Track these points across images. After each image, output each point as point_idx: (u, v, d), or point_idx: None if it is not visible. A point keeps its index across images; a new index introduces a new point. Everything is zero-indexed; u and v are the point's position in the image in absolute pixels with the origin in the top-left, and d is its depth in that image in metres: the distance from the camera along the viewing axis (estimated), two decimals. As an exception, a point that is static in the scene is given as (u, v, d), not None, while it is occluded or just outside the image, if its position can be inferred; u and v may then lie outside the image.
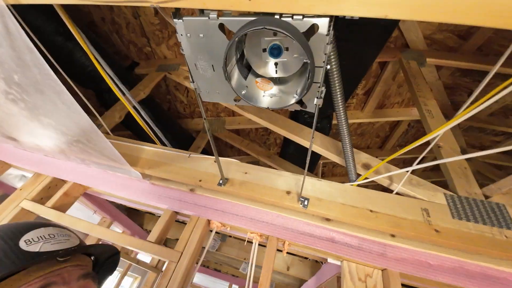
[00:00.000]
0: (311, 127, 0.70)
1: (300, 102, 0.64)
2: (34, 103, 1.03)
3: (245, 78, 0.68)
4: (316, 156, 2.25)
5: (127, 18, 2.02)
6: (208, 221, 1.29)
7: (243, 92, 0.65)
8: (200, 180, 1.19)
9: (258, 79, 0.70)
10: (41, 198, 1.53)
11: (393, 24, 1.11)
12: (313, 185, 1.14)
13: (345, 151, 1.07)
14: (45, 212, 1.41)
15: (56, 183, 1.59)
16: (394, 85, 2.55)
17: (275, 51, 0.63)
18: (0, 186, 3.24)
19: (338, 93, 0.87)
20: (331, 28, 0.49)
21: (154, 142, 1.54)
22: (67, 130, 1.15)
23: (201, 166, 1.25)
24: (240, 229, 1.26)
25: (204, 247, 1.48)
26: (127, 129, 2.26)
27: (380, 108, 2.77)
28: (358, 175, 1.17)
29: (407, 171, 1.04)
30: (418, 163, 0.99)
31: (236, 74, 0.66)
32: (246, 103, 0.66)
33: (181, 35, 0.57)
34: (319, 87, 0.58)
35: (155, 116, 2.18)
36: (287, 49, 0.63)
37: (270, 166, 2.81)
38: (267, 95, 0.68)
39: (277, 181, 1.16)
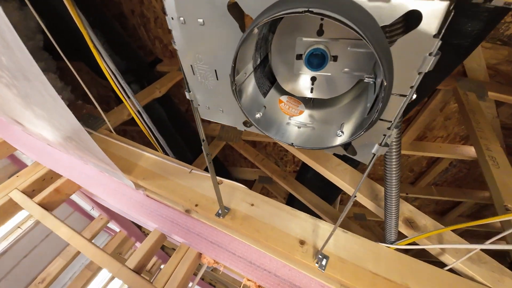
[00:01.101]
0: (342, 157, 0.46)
1: (346, 144, 0.40)
2: (24, 90, 0.90)
3: (265, 94, 0.46)
4: (338, 190, 1.96)
5: (156, 12, 1.93)
6: (200, 254, 1.07)
7: (258, 115, 0.44)
8: (196, 205, 0.98)
9: (284, 98, 0.48)
10: (33, 190, 1.42)
11: (470, 46, 0.85)
12: (336, 238, 0.88)
13: (387, 201, 0.80)
14: (31, 208, 1.29)
15: (51, 176, 1.48)
16: (440, 116, 2.21)
17: (316, 60, 0.41)
18: (15, 162, 3.32)
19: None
20: (446, 24, 0.26)
21: (156, 149, 1.37)
22: (59, 125, 1.02)
23: (202, 187, 1.05)
24: (236, 272, 1.02)
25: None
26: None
27: (419, 140, 2.42)
28: (399, 235, 0.89)
29: (474, 248, 0.75)
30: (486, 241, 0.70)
31: (251, 87, 0.44)
32: (260, 132, 0.44)
33: (172, 18, 0.38)
34: (388, 128, 0.34)
35: (170, 115, 2.04)
36: (334, 58, 0.40)
37: (283, 188, 2.56)
38: (293, 124, 0.45)
39: (290, 223, 0.92)
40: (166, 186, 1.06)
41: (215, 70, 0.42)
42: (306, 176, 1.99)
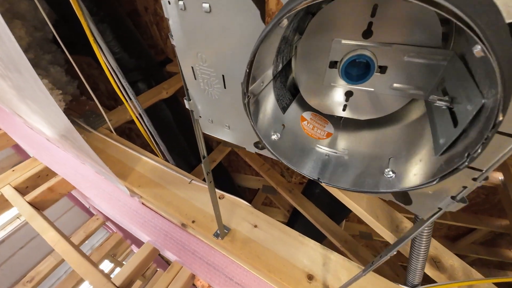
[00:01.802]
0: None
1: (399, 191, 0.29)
2: (17, 82, 0.83)
3: (284, 109, 0.36)
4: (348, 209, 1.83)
5: (169, 11, 1.88)
6: (193, 275, 0.97)
7: (275, 136, 0.34)
8: (193, 221, 0.88)
9: (307, 115, 0.38)
10: (26, 187, 1.35)
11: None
12: (349, 273, 0.76)
13: (416, 240, 0.68)
14: (22, 206, 1.22)
15: (47, 173, 1.41)
16: None
17: (357, 70, 0.31)
18: (19, 152, 3.31)
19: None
20: None
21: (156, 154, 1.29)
22: (54, 122, 0.94)
23: (201, 200, 0.95)
24: (232, 300, 0.91)
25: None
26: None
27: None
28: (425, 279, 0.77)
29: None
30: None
31: (268, 101, 0.35)
32: (275, 157, 0.34)
33: (168, 2, 0.28)
34: (475, 179, 0.23)
35: (176, 117, 1.97)
36: (382, 69, 0.30)
37: (287, 200, 2.44)
38: (319, 150, 0.35)
39: (297, 252, 0.80)
40: (163, 196, 0.97)
41: (223, 76, 0.32)
42: (315, 190, 1.86)
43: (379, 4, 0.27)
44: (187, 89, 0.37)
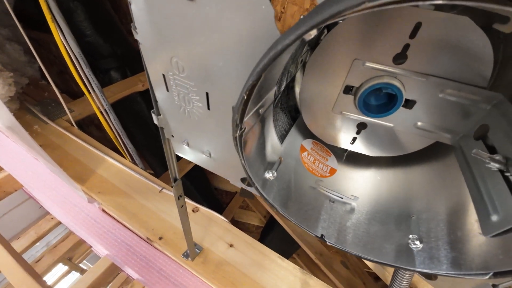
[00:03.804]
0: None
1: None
2: None
3: (282, 137, 0.29)
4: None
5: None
6: (157, 297, 0.86)
7: (269, 175, 0.26)
8: (160, 238, 0.78)
9: (307, 144, 0.31)
10: (-40, 183, 1.14)
11: None
12: (327, 303, 0.71)
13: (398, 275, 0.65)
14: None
15: (-10, 167, 1.20)
16: None
17: (380, 101, 0.25)
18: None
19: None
20: None
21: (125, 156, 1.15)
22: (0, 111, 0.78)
23: (172, 214, 0.85)
24: (199, 326, 0.82)
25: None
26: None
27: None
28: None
29: None
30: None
31: (265, 129, 0.27)
32: (268, 203, 0.26)
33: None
34: None
35: (150, 111, 1.81)
36: (409, 104, 0.24)
37: (265, 207, 2.39)
38: (323, 192, 0.28)
39: (275, 277, 0.74)
40: (127, 207, 0.85)
41: (207, 94, 0.24)
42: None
43: (424, 22, 0.20)
44: (155, 101, 0.28)
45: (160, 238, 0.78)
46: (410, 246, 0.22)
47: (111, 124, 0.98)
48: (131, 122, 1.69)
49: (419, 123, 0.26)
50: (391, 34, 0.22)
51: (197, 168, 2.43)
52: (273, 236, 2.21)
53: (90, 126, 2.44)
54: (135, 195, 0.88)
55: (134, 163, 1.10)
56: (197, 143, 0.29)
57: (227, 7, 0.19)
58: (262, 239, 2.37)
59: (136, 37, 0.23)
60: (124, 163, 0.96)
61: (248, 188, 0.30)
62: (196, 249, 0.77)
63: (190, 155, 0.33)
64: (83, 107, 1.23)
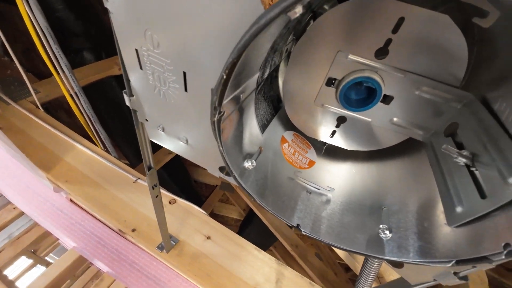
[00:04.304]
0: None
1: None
2: None
3: (264, 127, 0.28)
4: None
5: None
6: (128, 290, 0.83)
7: (247, 164, 0.25)
8: (133, 230, 0.75)
9: (288, 135, 0.31)
10: None
11: None
12: (300, 292, 0.73)
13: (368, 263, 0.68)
14: None
15: None
16: None
17: (360, 96, 0.25)
18: None
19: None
20: None
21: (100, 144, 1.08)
22: None
23: (146, 205, 0.82)
24: (172, 318, 0.81)
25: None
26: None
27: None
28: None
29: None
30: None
31: (245, 116, 0.26)
32: (246, 192, 0.26)
33: None
34: (493, 261, 0.18)
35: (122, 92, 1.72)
36: (387, 99, 0.24)
37: (244, 201, 2.40)
38: (300, 183, 0.28)
39: (252, 268, 0.74)
40: (97, 197, 0.80)
41: (184, 73, 0.22)
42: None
43: (407, 18, 0.21)
44: (127, 80, 0.26)
45: (133, 230, 0.75)
46: (380, 235, 0.23)
47: (81, 108, 0.91)
48: (104, 108, 1.59)
49: (394, 119, 0.26)
50: (375, 27, 0.22)
51: (176, 159, 2.36)
52: (252, 229, 2.23)
53: (58, 111, 2.25)
54: (107, 185, 0.84)
55: (107, 151, 1.03)
56: (173, 129, 0.27)
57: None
58: (240, 232, 2.39)
59: (106, 4, 0.20)
60: (95, 151, 0.90)
61: (227, 178, 0.29)
62: (172, 241, 0.75)
63: (166, 141, 0.31)
64: (50, 89, 1.12)
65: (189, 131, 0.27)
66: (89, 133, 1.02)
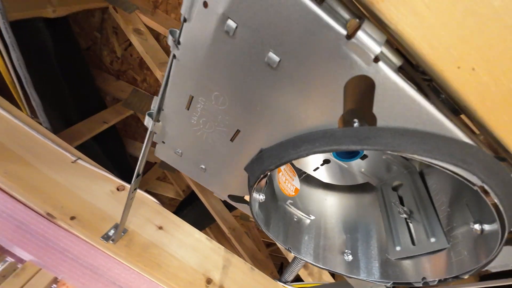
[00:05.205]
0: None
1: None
2: None
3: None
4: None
5: None
6: (55, 279, 0.75)
7: (261, 196, 0.29)
8: (72, 218, 0.67)
9: (283, 165, 0.35)
10: None
11: None
12: (244, 274, 0.83)
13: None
14: None
15: None
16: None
17: (350, 153, 0.32)
18: None
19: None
20: None
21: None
22: None
23: (89, 190, 0.73)
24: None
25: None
26: None
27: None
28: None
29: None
30: None
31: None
32: (258, 225, 0.29)
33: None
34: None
35: (59, 49, 1.39)
36: (364, 157, 0.33)
37: (185, 182, 2.36)
38: (291, 211, 0.34)
39: (202, 256, 0.79)
40: (22, 177, 0.67)
41: (238, 130, 0.23)
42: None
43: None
44: (160, 108, 0.24)
45: (73, 218, 0.67)
46: (344, 257, 0.32)
47: (10, 66, 0.71)
48: (26, 59, 1.25)
49: (362, 169, 0.35)
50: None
51: (111, 130, 2.08)
52: (191, 210, 2.24)
53: None
54: (37, 163, 0.70)
55: (36, 119, 0.85)
56: (194, 159, 0.27)
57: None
58: (177, 212, 2.36)
59: (174, 50, 0.19)
60: (21, 119, 0.73)
61: (233, 202, 0.32)
62: (119, 232, 0.71)
63: (178, 164, 0.31)
64: None
65: (213, 164, 0.27)
66: (12, 91, 0.80)
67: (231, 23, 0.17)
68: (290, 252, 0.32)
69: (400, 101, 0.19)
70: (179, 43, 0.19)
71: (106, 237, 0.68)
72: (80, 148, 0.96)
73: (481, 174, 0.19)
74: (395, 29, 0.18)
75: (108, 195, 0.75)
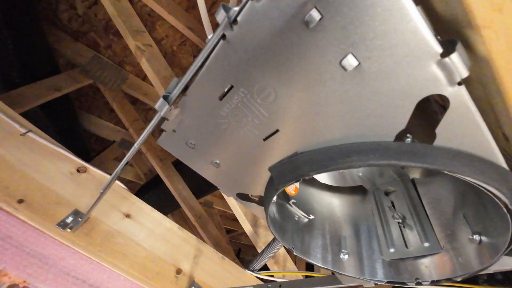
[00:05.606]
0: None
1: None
2: None
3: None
4: (214, 188, 1.94)
5: None
6: (-7, 271, 0.64)
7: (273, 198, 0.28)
8: (20, 201, 0.57)
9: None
10: None
11: None
12: (213, 263, 0.83)
13: (273, 243, 0.85)
14: None
15: None
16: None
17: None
18: None
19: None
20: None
21: None
22: None
23: (42, 169, 0.63)
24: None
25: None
26: None
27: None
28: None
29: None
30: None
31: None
32: (270, 228, 0.28)
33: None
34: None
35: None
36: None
37: (149, 164, 2.22)
38: (294, 211, 0.33)
39: (171, 245, 0.76)
40: (-48, 149, 0.54)
41: (277, 130, 0.20)
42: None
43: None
44: (182, 94, 0.20)
45: (21, 202, 0.57)
46: (340, 256, 0.33)
47: None
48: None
49: (360, 174, 0.36)
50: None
51: (63, 99, 1.80)
52: (153, 194, 2.12)
53: None
54: (-28, 132, 0.57)
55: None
56: (210, 151, 0.24)
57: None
58: (139, 195, 2.22)
59: (226, 30, 0.15)
60: None
61: (240, 201, 0.30)
62: (79, 218, 0.63)
63: (186, 157, 0.27)
64: None
65: (229, 161, 0.24)
66: None
67: (315, 13, 0.15)
68: (293, 251, 0.32)
69: (465, 126, 0.20)
70: (235, 22, 0.16)
71: (63, 225, 0.60)
72: (22, 116, 0.81)
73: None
74: (485, 57, 0.18)
75: (66, 177, 0.66)
